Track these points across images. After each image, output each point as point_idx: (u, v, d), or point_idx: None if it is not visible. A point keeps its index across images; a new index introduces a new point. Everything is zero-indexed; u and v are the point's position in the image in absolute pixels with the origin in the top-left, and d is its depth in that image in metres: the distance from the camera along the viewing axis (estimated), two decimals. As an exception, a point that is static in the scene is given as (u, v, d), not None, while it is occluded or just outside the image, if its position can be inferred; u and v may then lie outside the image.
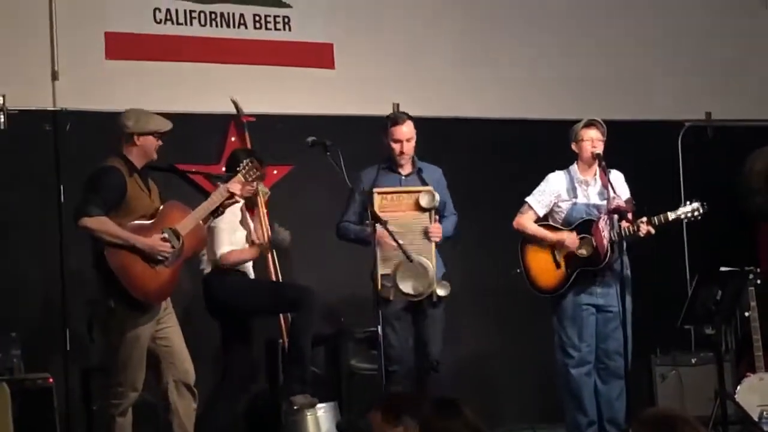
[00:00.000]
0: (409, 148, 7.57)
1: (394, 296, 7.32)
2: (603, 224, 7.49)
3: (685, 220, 7.57)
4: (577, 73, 9.78)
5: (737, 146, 9.92)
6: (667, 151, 9.87)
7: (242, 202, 7.45)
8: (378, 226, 7.17)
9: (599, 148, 7.63)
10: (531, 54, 9.68)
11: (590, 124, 7.69)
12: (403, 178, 7.61)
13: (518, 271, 7.78)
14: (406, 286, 7.32)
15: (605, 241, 7.46)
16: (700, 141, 10.03)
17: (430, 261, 7.37)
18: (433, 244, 7.45)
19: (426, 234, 7.42)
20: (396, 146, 7.55)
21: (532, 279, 7.76)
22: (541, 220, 7.78)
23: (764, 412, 7.84)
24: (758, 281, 8.25)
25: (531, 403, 8.83)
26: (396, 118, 7.64)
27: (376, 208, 7.32)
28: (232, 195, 6.87)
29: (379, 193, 7.43)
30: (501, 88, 9.51)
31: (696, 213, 7.47)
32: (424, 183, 7.58)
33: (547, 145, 8.88)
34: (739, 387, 8.18)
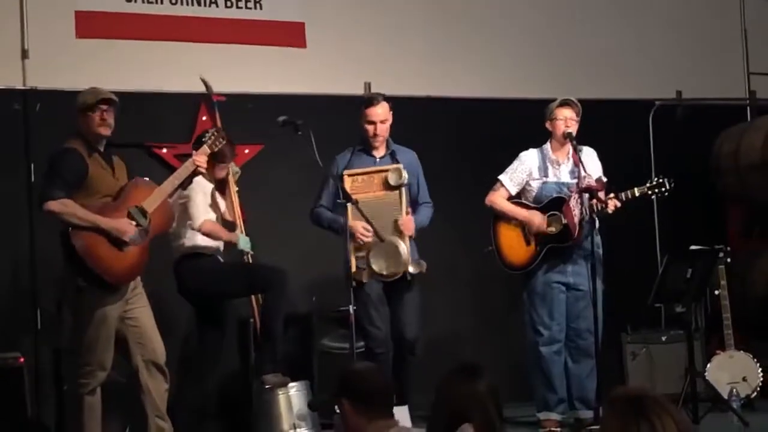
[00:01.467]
0: (383, 129, 7.53)
1: (368, 278, 7.33)
2: (574, 203, 7.53)
3: (652, 196, 7.58)
4: (548, 52, 9.79)
5: (708, 125, 9.94)
6: (638, 129, 9.89)
7: (212, 186, 7.43)
8: (349, 208, 7.19)
9: (572, 128, 7.65)
10: (502, 33, 9.69)
11: (565, 103, 7.71)
12: (377, 160, 7.58)
13: (490, 248, 7.81)
14: (379, 266, 7.34)
15: (576, 220, 7.50)
16: (671, 120, 10.05)
17: (402, 240, 7.38)
18: (404, 214, 7.43)
19: (396, 215, 7.40)
20: (370, 128, 7.52)
21: (503, 256, 7.79)
22: (513, 198, 7.79)
23: (734, 390, 7.88)
24: (728, 260, 8.31)
25: (500, 381, 8.84)
26: (370, 99, 7.59)
27: (348, 190, 7.32)
28: (197, 167, 6.84)
29: (349, 175, 7.42)
30: (473, 68, 9.51)
31: (663, 189, 7.49)
32: (396, 163, 7.57)
33: (519, 124, 8.89)
34: (709, 365, 8.24)
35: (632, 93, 9.93)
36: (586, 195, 7.49)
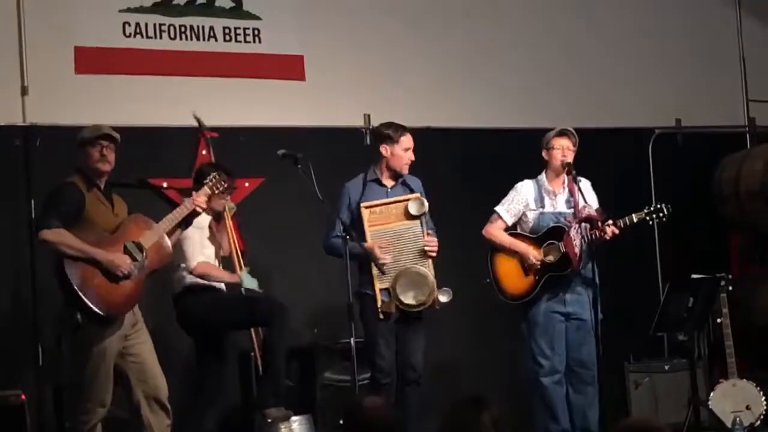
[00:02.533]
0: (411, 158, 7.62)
1: (397, 309, 7.32)
2: (574, 233, 7.52)
3: (650, 222, 7.58)
4: (548, 82, 9.80)
5: (707, 153, 9.95)
6: (638, 158, 9.89)
7: (210, 218, 7.44)
8: (369, 240, 7.22)
9: (569, 157, 7.65)
10: (502, 64, 9.70)
11: (563, 133, 7.71)
12: (389, 190, 7.59)
13: (488, 280, 7.80)
14: (407, 297, 7.33)
15: (576, 249, 7.49)
16: (671, 148, 10.06)
17: (428, 270, 7.40)
18: (425, 237, 7.47)
19: (418, 243, 7.43)
20: (405, 155, 7.56)
21: (501, 286, 7.77)
22: (510, 229, 7.79)
23: (737, 419, 7.85)
24: (729, 288, 8.27)
25: (502, 412, 8.81)
26: (402, 126, 7.64)
27: (365, 223, 7.39)
28: (195, 208, 6.85)
29: (366, 207, 7.44)
30: (472, 99, 9.52)
31: (661, 214, 7.50)
32: (411, 191, 7.60)
33: (519, 154, 8.90)
34: (712, 393, 8.19)
35: (632, 121, 9.95)
36: (586, 224, 7.49)
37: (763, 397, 8.16)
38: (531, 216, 7.74)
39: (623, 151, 9.72)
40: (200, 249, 7.37)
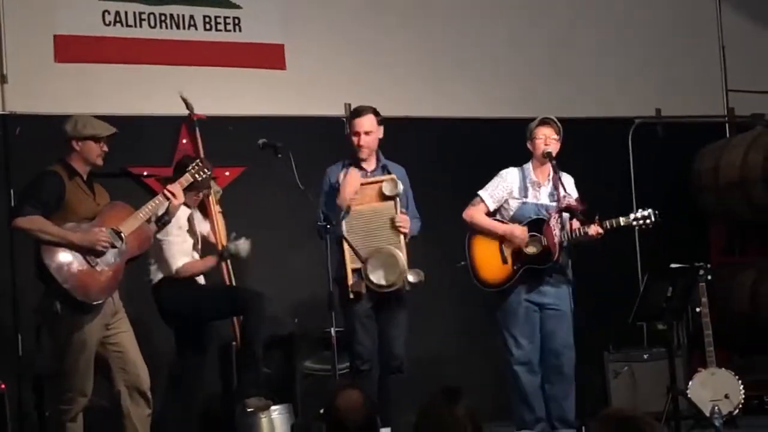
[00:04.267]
0: (367, 141, 7.51)
1: (366, 289, 7.31)
2: (554, 222, 7.50)
3: (636, 227, 7.60)
4: (528, 72, 9.82)
5: (687, 143, 9.99)
6: (618, 148, 9.91)
7: (189, 212, 7.43)
8: (344, 221, 7.25)
9: (551, 146, 7.63)
10: (481, 53, 9.72)
11: (544, 122, 7.70)
12: (368, 173, 7.59)
13: (462, 263, 7.75)
14: (378, 277, 7.30)
15: (556, 240, 7.48)
16: (651, 138, 10.08)
17: (399, 250, 7.37)
18: (402, 236, 7.45)
19: (393, 223, 7.41)
20: (354, 138, 7.53)
21: (477, 272, 7.71)
22: (490, 216, 7.77)
23: (716, 407, 7.88)
24: (708, 277, 8.30)
25: (483, 400, 8.84)
26: (357, 110, 7.62)
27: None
28: (169, 199, 6.83)
29: None
30: (452, 88, 9.53)
31: (648, 221, 7.50)
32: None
33: (499, 144, 8.92)
34: (690, 382, 8.22)
35: (612, 111, 9.97)
36: (566, 216, 7.50)
37: (741, 386, 8.20)
38: (513, 204, 7.71)
39: (603, 141, 9.74)
40: (180, 250, 7.38)
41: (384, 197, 7.44)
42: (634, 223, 7.51)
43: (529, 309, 7.60)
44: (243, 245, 7.48)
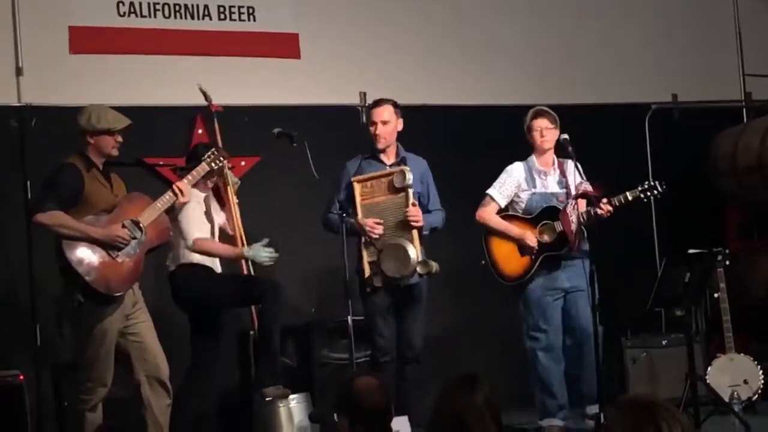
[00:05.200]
0: (384, 131, 7.52)
1: (382, 283, 7.33)
2: (570, 209, 7.55)
3: (644, 199, 7.59)
4: (544, 58, 9.79)
5: (704, 128, 9.95)
6: (634, 133, 9.88)
7: (204, 195, 7.42)
8: (359, 216, 7.28)
9: (548, 137, 7.69)
10: (498, 40, 9.69)
11: (537, 113, 7.75)
12: (388, 167, 7.58)
13: (483, 263, 7.84)
14: (389, 269, 7.32)
15: (573, 227, 7.52)
16: (667, 123, 10.05)
17: (411, 243, 7.37)
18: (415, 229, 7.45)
19: (405, 216, 7.41)
20: (371, 128, 7.55)
21: (498, 268, 7.80)
22: (503, 211, 7.82)
23: (735, 393, 7.87)
24: (726, 262, 8.28)
25: (502, 389, 8.82)
26: (376, 101, 7.66)
27: (357, 197, 7.41)
28: (176, 196, 6.84)
29: (357, 181, 7.46)
30: (468, 76, 9.51)
31: (655, 191, 7.50)
32: None
33: (516, 131, 8.88)
34: (709, 368, 8.22)
35: (628, 97, 9.94)
36: (582, 201, 7.52)
37: (761, 371, 8.18)
38: (523, 196, 7.78)
39: (619, 127, 9.71)
40: (199, 225, 7.32)
41: (395, 190, 7.44)
42: (641, 195, 7.52)
43: (552, 297, 7.66)
44: (260, 253, 7.39)
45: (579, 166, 7.67)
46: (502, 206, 7.80)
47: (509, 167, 7.83)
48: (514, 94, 9.51)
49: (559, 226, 7.55)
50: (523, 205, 7.77)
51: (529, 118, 7.76)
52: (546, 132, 7.68)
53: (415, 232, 7.42)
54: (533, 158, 7.78)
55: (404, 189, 7.42)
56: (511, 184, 7.79)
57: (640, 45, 10.11)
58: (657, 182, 7.52)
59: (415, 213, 7.40)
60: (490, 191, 7.81)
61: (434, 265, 7.35)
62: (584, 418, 7.69)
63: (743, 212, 10.05)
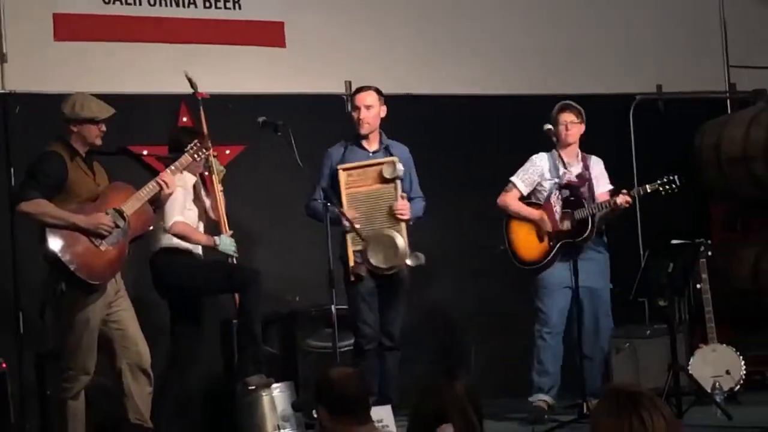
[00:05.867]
0: (368, 115, 7.56)
1: (366, 272, 7.35)
2: (554, 199, 7.73)
3: (662, 192, 7.71)
4: (529, 48, 9.78)
5: (688, 119, 9.96)
6: (619, 124, 9.89)
7: (195, 179, 7.41)
8: (345, 205, 7.30)
9: (572, 131, 7.89)
10: (482, 30, 9.68)
11: (563, 108, 7.95)
12: (371, 154, 7.61)
13: (502, 248, 8.02)
14: (378, 260, 7.35)
15: (557, 215, 7.73)
16: (652, 114, 10.06)
17: (399, 233, 7.40)
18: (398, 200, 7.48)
19: (393, 208, 7.43)
20: (354, 113, 7.59)
21: (517, 253, 8.00)
22: (525, 199, 7.97)
23: (717, 383, 7.90)
24: (709, 253, 8.31)
25: (495, 377, 8.85)
26: (359, 87, 7.71)
27: (342, 185, 7.42)
28: (161, 187, 6.83)
29: (343, 169, 7.47)
30: (452, 65, 9.49)
31: (674, 186, 7.68)
32: (391, 156, 7.61)
33: (499, 121, 8.91)
34: (692, 359, 8.25)
35: (612, 88, 9.94)
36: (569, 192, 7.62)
37: (743, 362, 8.21)
38: (547, 185, 7.95)
39: (604, 117, 9.68)
40: (181, 209, 7.30)
41: (384, 180, 7.47)
42: (660, 188, 7.70)
43: (563, 284, 7.80)
44: (230, 246, 7.40)
45: (599, 164, 7.93)
46: (525, 194, 8.00)
47: (534, 157, 8.01)
48: (500, 84, 9.52)
49: (578, 214, 7.70)
50: (545, 194, 7.93)
51: (555, 112, 7.92)
52: (571, 126, 7.90)
53: (402, 224, 7.45)
54: (557, 150, 7.87)
55: (393, 180, 7.44)
56: (534, 172, 7.97)
57: (625, 36, 10.11)
58: (675, 176, 7.62)
59: (403, 206, 7.43)
60: (512, 178, 8.01)
61: (422, 258, 7.39)
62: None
63: (727, 203, 10.08)
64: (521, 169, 8.01)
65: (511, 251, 7.99)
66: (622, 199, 7.63)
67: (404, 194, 7.50)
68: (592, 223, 7.69)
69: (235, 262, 7.53)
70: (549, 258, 7.82)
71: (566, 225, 7.76)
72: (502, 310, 8.91)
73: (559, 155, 7.76)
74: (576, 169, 7.91)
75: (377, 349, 7.53)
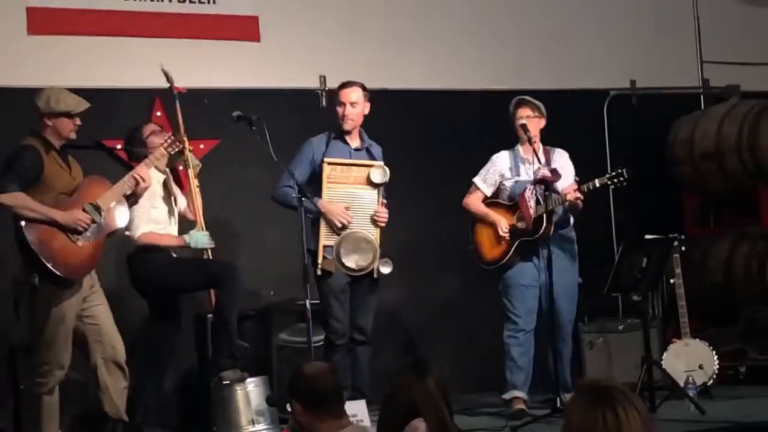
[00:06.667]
0: (353, 113, 7.59)
1: (336, 269, 7.36)
2: (529, 194, 7.67)
3: (611, 186, 7.68)
4: (502, 43, 9.80)
5: (662, 114, 10.01)
6: (593, 119, 9.91)
7: (163, 177, 7.40)
8: (324, 197, 7.35)
9: (530, 124, 7.79)
10: (455, 25, 9.69)
11: (519, 103, 7.90)
12: (353, 150, 7.63)
13: (470, 247, 8.02)
14: (349, 260, 7.40)
15: (531, 211, 7.66)
16: (626, 109, 10.09)
17: (375, 239, 7.46)
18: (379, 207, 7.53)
19: (371, 211, 7.50)
20: (339, 109, 7.60)
21: (481, 253, 7.98)
22: (489, 198, 7.98)
23: (690, 378, 7.92)
24: (683, 248, 8.35)
25: (468, 372, 8.87)
26: (345, 82, 7.71)
27: (324, 178, 7.44)
28: (138, 182, 6.83)
29: (329, 163, 7.47)
30: (428, 60, 9.50)
31: (622, 178, 7.59)
32: (372, 158, 7.65)
33: (474, 115, 8.92)
34: (665, 353, 8.28)
35: (586, 83, 9.96)
36: (544, 187, 7.61)
37: (716, 357, 8.25)
38: (508, 184, 7.92)
39: (578, 113, 9.72)
40: (147, 218, 7.31)
41: (369, 183, 7.50)
42: (608, 181, 7.61)
43: (526, 281, 7.80)
44: (202, 239, 7.40)
45: (565, 157, 7.88)
46: (488, 194, 7.99)
47: (494, 156, 7.99)
48: (474, 78, 9.53)
49: (535, 211, 7.66)
50: (508, 192, 7.93)
51: (512, 108, 7.88)
52: (529, 121, 7.79)
53: (378, 229, 7.49)
54: (519, 147, 7.90)
55: (380, 185, 7.48)
56: (494, 172, 7.96)
57: (599, 30, 10.13)
58: (624, 169, 7.60)
59: (383, 212, 7.51)
60: (475, 179, 8.00)
61: (391, 265, 7.43)
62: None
63: (700, 198, 10.12)
64: (482, 169, 7.99)
65: (477, 251, 8.00)
66: (572, 195, 7.57)
67: (384, 200, 7.54)
68: (548, 220, 7.61)
69: (210, 256, 7.53)
70: (508, 257, 7.79)
71: (521, 223, 7.75)
72: (474, 304, 8.91)
73: (534, 150, 7.74)
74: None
75: (349, 344, 7.55)
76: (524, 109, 7.86)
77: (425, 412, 4.18)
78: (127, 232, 7.25)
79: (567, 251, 7.86)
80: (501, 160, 7.95)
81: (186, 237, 7.42)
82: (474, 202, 7.99)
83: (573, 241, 7.92)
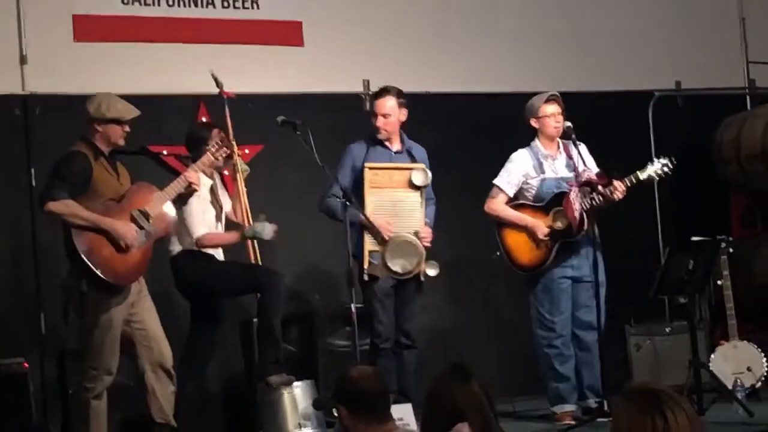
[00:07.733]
0: (386, 123, 7.59)
1: (382, 274, 7.37)
2: (574, 196, 7.58)
3: (656, 178, 7.63)
4: (547, 44, 9.77)
5: (708, 115, 9.94)
6: (638, 121, 9.87)
7: (211, 182, 7.43)
8: (366, 205, 7.35)
9: (560, 123, 7.70)
10: (501, 27, 9.67)
11: (550, 99, 7.76)
12: (393, 154, 7.63)
13: (498, 254, 7.85)
14: (395, 264, 7.40)
15: (576, 213, 7.55)
16: (671, 110, 10.04)
17: (420, 242, 7.47)
18: (423, 222, 7.54)
19: (414, 215, 7.51)
20: (373, 119, 7.61)
21: (513, 258, 7.81)
22: (513, 199, 7.82)
23: (738, 380, 7.87)
24: (730, 250, 8.29)
25: (509, 377, 8.84)
26: (379, 91, 7.69)
27: (366, 184, 7.44)
28: (189, 185, 6.86)
29: (370, 168, 7.48)
30: (472, 63, 9.49)
31: (665, 168, 7.54)
32: (413, 160, 7.64)
33: (518, 118, 8.88)
34: (712, 355, 8.23)
35: (632, 84, 9.92)
36: (586, 188, 7.55)
37: (764, 359, 8.19)
38: (534, 183, 7.78)
39: (623, 114, 9.70)
40: (202, 220, 7.34)
41: (411, 186, 7.50)
42: (653, 173, 7.58)
43: (562, 284, 7.71)
44: (265, 228, 7.39)
45: (582, 148, 7.73)
46: (511, 195, 7.81)
47: (513, 156, 7.83)
48: (519, 81, 9.49)
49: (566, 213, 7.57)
50: (534, 192, 7.78)
51: (539, 104, 7.76)
52: (558, 118, 7.71)
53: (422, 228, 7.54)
54: (538, 144, 7.79)
55: (422, 188, 7.48)
56: (518, 172, 7.79)
57: (644, 32, 10.09)
58: (667, 159, 7.55)
59: (428, 233, 7.54)
60: (497, 181, 7.80)
61: (438, 267, 7.41)
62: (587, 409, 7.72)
63: (747, 199, 10.05)
64: (503, 170, 7.80)
65: (508, 257, 7.81)
66: (619, 192, 7.51)
67: (427, 221, 7.60)
68: (582, 219, 7.55)
69: (260, 261, 7.53)
70: (549, 260, 7.66)
71: (560, 224, 7.63)
72: (513, 311, 8.86)
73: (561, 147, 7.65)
74: (561, 161, 7.76)
75: (395, 348, 7.55)
76: (554, 105, 7.73)
77: (470, 415, 4.17)
78: (173, 239, 7.28)
79: (594, 248, 7.67)
80: (523, 159, 7.79)
81: (246, 230, 7.37)
82: (500, 206, 7.79)
83: (597, 238, 7.71)
